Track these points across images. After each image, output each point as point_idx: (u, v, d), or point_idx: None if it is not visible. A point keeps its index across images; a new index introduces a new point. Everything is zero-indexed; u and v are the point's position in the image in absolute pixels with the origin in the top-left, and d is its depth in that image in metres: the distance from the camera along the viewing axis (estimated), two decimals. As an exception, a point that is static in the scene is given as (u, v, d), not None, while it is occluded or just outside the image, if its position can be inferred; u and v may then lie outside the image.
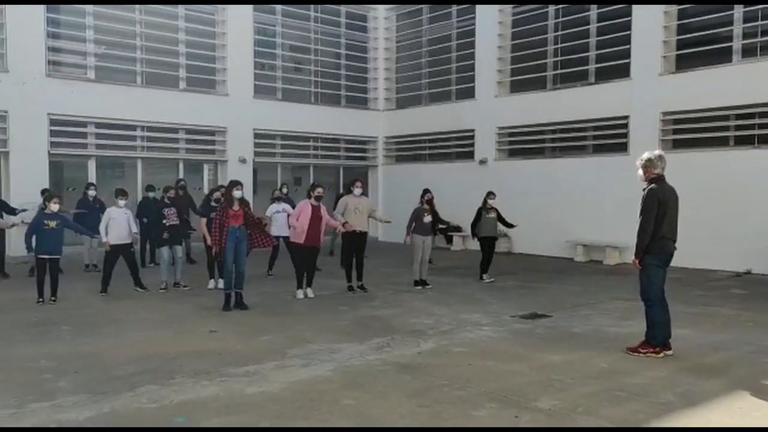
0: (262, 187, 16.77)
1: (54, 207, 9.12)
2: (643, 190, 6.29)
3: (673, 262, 6.46)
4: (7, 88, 13.41)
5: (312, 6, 18.28)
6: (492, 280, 11.22)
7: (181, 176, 15.73)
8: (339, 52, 19.17)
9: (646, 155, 6.36)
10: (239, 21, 16.62)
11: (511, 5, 16.40)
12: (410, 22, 19.28)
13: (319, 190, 9.59)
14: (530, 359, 6.16)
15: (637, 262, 6.28)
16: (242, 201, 8.90)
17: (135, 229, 10.00)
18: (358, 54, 19.50)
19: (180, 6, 15.93)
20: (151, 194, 12.63)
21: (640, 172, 6.35)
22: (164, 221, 10.12)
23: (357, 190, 10.18)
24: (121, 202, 9.89)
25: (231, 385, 5.31)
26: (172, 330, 7.41)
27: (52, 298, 8.97)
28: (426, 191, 10.90)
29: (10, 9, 13.44)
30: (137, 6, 15.27)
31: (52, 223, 8.98)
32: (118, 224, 9.70)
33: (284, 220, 11.03)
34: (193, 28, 16.19)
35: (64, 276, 9.33)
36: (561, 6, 15.44)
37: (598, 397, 5.05)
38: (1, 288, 10.36)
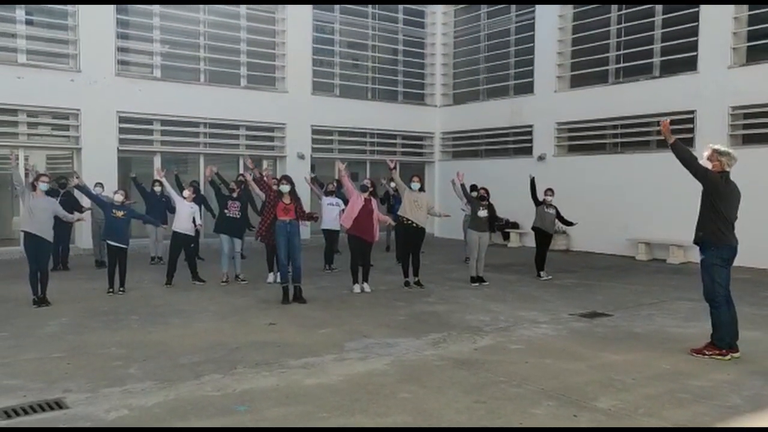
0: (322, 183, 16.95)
1: (118, 198, 9.55)
2: None
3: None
4: (79, 88, 14.05)
5: (370, 3, 18.38)
6: (550, 277, 11.07)
7: (241, 171, 16.12)
8: (396, 48, 19.22)
9: (721, 146, 6.14)
10: (298, 19, 16.89)
11: (572, 4, 16.04)
12: (468, 17, 19.13)
13: (366, 180, 9.99)
14: (589, 358, 6.06)
15: (667, 128, 6.11)
16: (293, 195, 9.00)
17: (199, 221, 10.31)
18: (415, 50, 19.51)
19: (242, 5, 16.31)
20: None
21: (707, 154, 6.13)
22: (225, 211, 10.39)
23: (415, 185, 10.15)
24: (186, 194, 10.27)
25: (290, 376, 5.45)
26: (233, 322, 7.63)
27: (121, 289, 9.37)
28: (481, 188, 10.81)
29: (82, 12, 14.06)
30: (201, 6, 15.71)
31: (119, 213, 9.35)
32: (182, 216, 10.08)
33: (336, 213, 11.27)
34: (254, 27, 16.54)
35: (131, 268, 9.73)
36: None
37: (661, 398, 4.94)
38: (73, 278, 10.89)
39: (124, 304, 8.56)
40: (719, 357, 5.97)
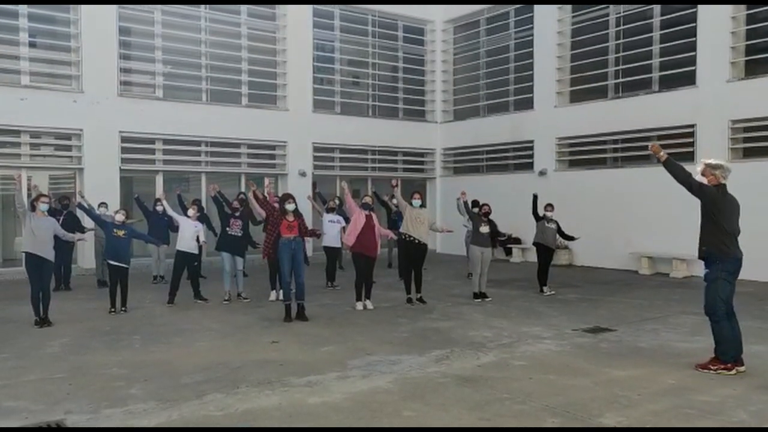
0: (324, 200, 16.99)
1: (119, 217, 9.57)
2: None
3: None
4: (82, 108, 14.13)
5: (370, 21, 18.55)
6: (552, 292, 11.04)
7: (242, 189, 16.18)
8: (396, 66, 19.34)
9: (713, 160, 6.17)
10: (299, 38, 17.02)
11: (571, 14, 16.18)
12: (467, 34, 19.28)
13: (366, 198, 10.21)
14: (594, 374, 6.02)
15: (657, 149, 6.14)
16: (297, 213, 9.11)
17: (203, 239, 10.33)
18: (415, 67, 19.64)
19: (242, 25, 16.46)
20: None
21: (700, 169, 6.15)
22: (227, 229, 10.43)
23: (416, 202, 10.21)
24: (191, 212, 10.31)
25: (293, 394, 5.41)
26: (236, 340, 7.60)
27: (123, 308, 9.37)
28: (483, 204, 10.86)
29: (85, 33, 14.17)
30: (202, 25, 15.86)
31: (120, 233, 9.37)
32: (186, 234, 10.09)
33: (337, 231, 11.35)
34: (254, 45, 16.67)
35: (133, 287, 9.72)
36: (623, 13, 15.13)
37: (667, 414, 4.90)
38: (75, 298, 10.87)
39: (125, 324, 8.53)
40: (725, 372, 5.93)
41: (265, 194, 10.48)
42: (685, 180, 6.03)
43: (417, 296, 10.13)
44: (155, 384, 5.74)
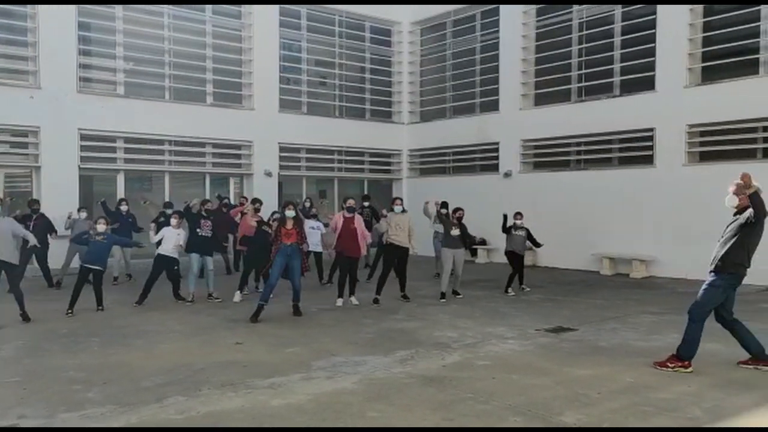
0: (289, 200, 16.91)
1: (101, 228, 9.51)
2: (738, 212, 6.10)
3: (701, 276, 6.40)
4: (39, 105, 13.75)
5: (337, 21, 18.50)
6: (529, 290, 11.52)
7: (208, 190, 16.04)
8: (363, 66, 19.34)
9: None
10: (265, 37, 16.87)
11: (535, 18, 16.41)
12: (434, 36, 19.39)
13: (350, 201, 10.28)
14: (556, 373, 6.12)
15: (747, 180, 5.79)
16: (297, 220, 9.29)
17: (182, 242, 10.28)
18: (382, 68, 19.67)
19: (207, 23, 16.25)
20: (168, 210, 12.65)
21: (732, 189, 6.11)
22: (198, 230, 10.41)
23: (397, 208, 10.70)
24: (174, 221, 10.30)
25: (256, 396, 5.37)
26: (199, 342, 7.50)
27: (100, 308, 9.43)
28: (457, 209, 11.04)
29: (43, 28, 13.81)
30: (165, 22, 15.60)
31: (99, 237, 9.43)
32: (168, 240, 10.12)
33: (318, 237, 11.71)
34: (220, 44, 16.48)
35: (88, 289, 9.48)
36: (585, 18, 15.41)
37: (625, 412, 5.00)
38: (34, 299, 10.56)
39: (84, 326, 8.34)
40: (682, 369, 6.09)
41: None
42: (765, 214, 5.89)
43: (401, 294, 10.58)
44: (114, 387, 5.62)
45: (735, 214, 6.17)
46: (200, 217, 10.48)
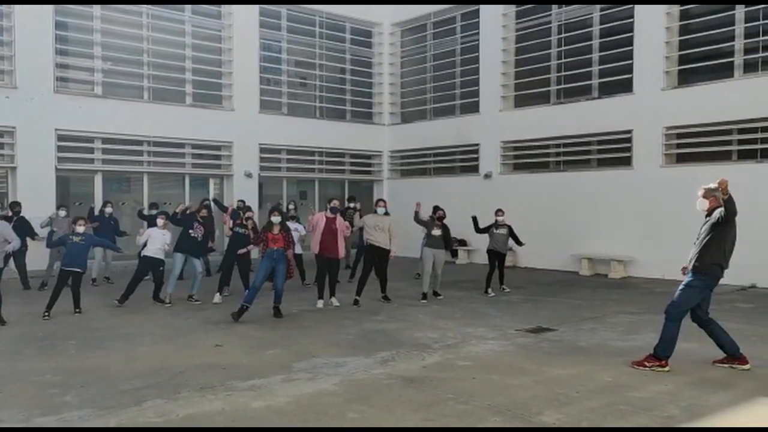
0: (269, 201, 16.85)
1: (80, 229, 9.39)
2: (709, 214, 6.22)
3: (678, 276, 6.50)
4: (15, 105, 13.54)
5: (317, 22, 18.47)
6: (508, 290, 11.57)
7: (187, 191, 15.93)
8: (344, 67, 19.33)
9: (711, 184, 6.19)
10: (245, 37, 16.80)
11: (515, 21, 16.53)
12: (415, 38, 19.44)
13: (335, 201, 10.31)
14: (535, 373, 6.17)
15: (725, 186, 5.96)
16: (283, 225, 9.37)
17: (168, 242, 10.23)
18: (362, 69, 19.68)
19: (187, 23, 16.13)
20: (154, 211, 12.67)
21: (701, 194, 6.28)
22: (190, 231, 10.41)
23: (380, 210, 10.59)
24: (160, 222, 10.24)
25: (236, 399, 5.34)
26: (178, 344, 7.44)
27: (77, 310, 9.32)
28: (437, 208, 11.05)
29: (18, 27, 13.61)
30: (144, 22, 15.45)
31: (77, 238, 9.32)
32: (155, 241, 10.05)
33: (296, 238, 11.60)
34: (199, 44, 16.36)
35: (66, 291, 9.38)
36: (564, 21, 15.57)
37: (603, 411, 5.06)
38: (9, 302, 10.39)
39: (61, 329, 8.23)
40: (659, 368, 6.17)
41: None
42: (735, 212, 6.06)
43: (382, 295, 10.51)
44: (92, 391, 5.56)
45: (706, 216, 6.30)
46: (195, 220, 10.51)
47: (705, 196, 6.29)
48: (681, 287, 6.32)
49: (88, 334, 7.96)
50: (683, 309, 6.28)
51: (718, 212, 6.08)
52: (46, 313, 8.97)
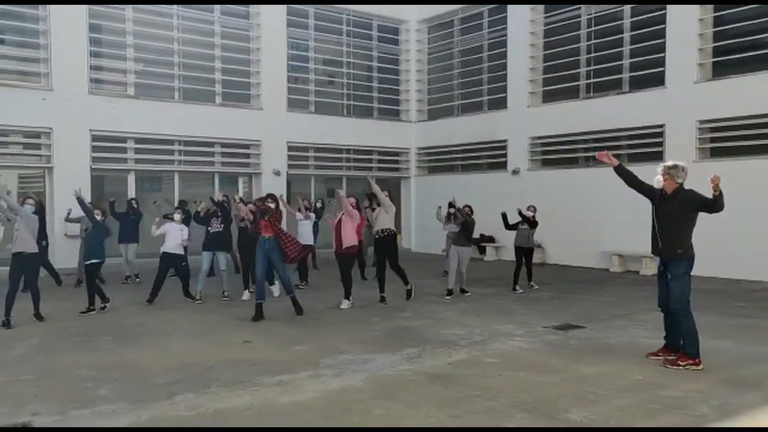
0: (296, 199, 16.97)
1: (97, 217, 9.62)
2: (677, 194, 6.24)
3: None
4: (51, 106, 13.90)
5: (344, 20, 18.54)
6: (537, 287, 11.47)
7: (217, 189, 16.06)
8: (371, 65, 19.36)
9: (671, 162, 6.31)
10: (273, 37, 16.95)
11: (543, 15, 16.36)
12: (441, 34, 19.38)
13: (351, 199, 10.11)
14: (563, 371, 6.12)
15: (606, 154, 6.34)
16: (271, 213, 9.06)
17: (186, 236, 10.34)
18: (389, 66, 19.68)
19: (216, 23, 16.34)
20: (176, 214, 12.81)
21: (661, 178, 6.32)
22: (209, 228, 10.53)
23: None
24: (177, 217, 10.38)
25: (264, 394, 5.41)
26: (208, 340, 7.56)
27: (103, 305, 9.42)
28: (465, 206, 11.07)
29: (54, 31, 13.95)
30: (174, 23, 15.70)
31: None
32: (172, 237, 10.20)
33: (308, 228, 11.98)
34: (228, 44, 16.56)
35: (105, 287, 9.62)
36: (594, 14, 15.35)
37: (632, 409, 4.99)
38: (45, 299, 10.67)
39: (96, 325, 8.43)
40: (693, 366, 6.04)
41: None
42: (635, 183, 6.45)
43: (406, 289, 10.36)
44: (125, 385, 5.69)
45: (666, 199, 6.29)
46: (212, 217, 10.62)
47: (664, 175, 6.27)
48: (674, 280, 6.21)
49: (121, 329, 8.15)
50: (686, 298, 6.18)
51: (709, 199, 6.08)
52: (95, 307, 9.22)
